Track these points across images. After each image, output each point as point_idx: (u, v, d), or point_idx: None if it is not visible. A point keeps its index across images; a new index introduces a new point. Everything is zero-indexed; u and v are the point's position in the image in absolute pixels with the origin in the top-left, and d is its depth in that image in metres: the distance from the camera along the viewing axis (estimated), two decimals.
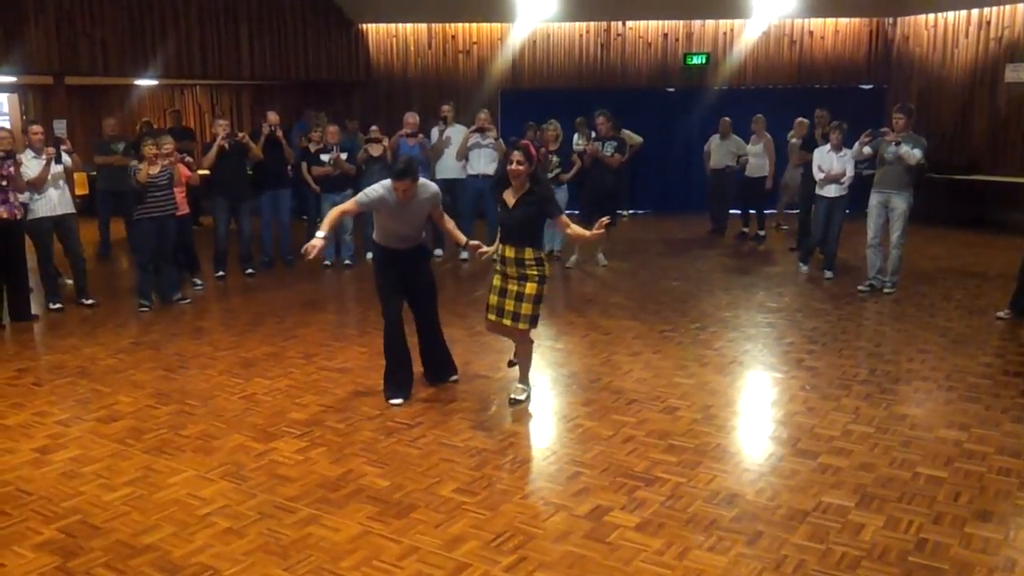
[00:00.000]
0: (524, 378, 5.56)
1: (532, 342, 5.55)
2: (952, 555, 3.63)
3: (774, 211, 12.48)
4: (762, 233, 11.87)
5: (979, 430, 5.01)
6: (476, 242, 5.47)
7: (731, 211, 12.38)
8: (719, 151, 12.18)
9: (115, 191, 10.38)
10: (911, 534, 3.80)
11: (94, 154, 10.78)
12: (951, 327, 7.31)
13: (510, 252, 5.21)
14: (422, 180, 5.41)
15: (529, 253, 5.20)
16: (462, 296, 8.57)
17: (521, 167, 5.10)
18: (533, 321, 5.29)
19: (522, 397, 5.51)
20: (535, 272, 5.21)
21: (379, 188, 5.31)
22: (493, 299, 5.33)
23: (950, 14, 13.41)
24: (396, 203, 5.29)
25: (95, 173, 11.66)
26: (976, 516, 3.97)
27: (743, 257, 10.92)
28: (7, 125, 14.96)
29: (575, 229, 5.35)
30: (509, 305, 5.26)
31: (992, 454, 4.67)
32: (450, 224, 5.68)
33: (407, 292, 5.63)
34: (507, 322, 5.29)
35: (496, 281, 5.33)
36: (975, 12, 13.06)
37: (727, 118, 12.14)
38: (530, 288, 5.21)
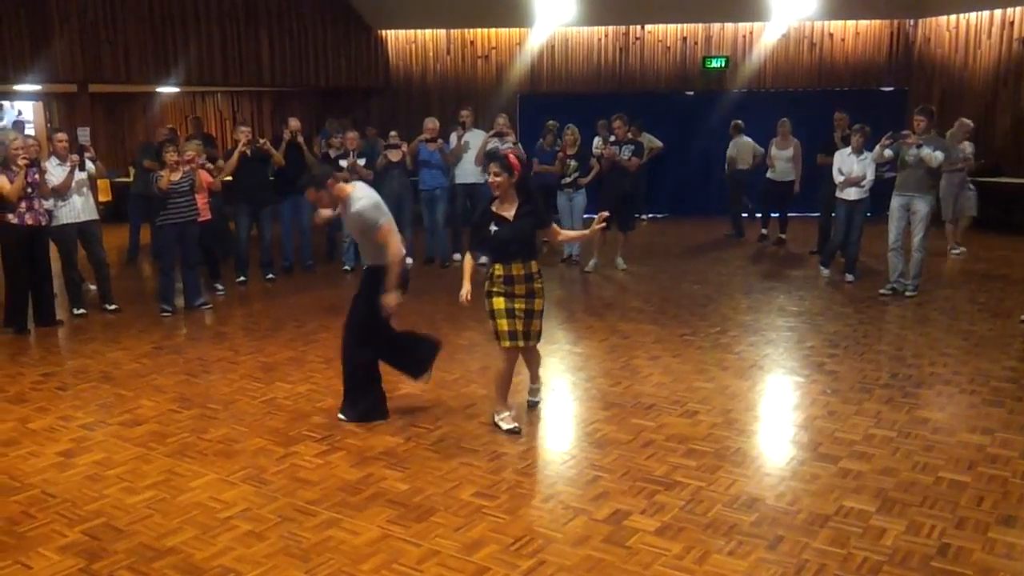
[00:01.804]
0: (535, 378, 5.54)
1: None
2: (975, 560, 3.60)
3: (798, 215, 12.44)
4: (783, 236, 11.80)
5: (1002, 434, 4.96)
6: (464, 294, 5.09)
7: (743, 214, 12.36)
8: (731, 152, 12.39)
9: (148, 195, 10.52)
10: (933, 539, 3.77)
11: (142, 158, 10.86)
12: (974, 330, 7.24)
13: (519, 269, 4.97)
14: (357, 194, 5.12)
15: (535, 265, 5.07)
16: (476, 302, 8.56)
17: (498, 178, 4.96)
18: (539, 337, 5.24)
19: (538, 398, 5.52)
20: (540, 285, 5.09)
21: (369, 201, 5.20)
22: (507, 324, 5.00)
23: (972, 15, 13.30)
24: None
25: (130, 179, 11.79)
26: (999, 521, 3.93)
27: (763, 261, 10.87)
28: (32, 133, 15.18)
29: (566, 234, 5.34)
30: (522, 325, 5.06)
31: (1016, 458, 4.62)
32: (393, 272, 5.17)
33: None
34: (531, 342, 5.18)
35: (501, 304, 5.01)
36: (998, 13, 12.95)
37: (735, 121, 12.22)
38: (539, 304, 5.09)
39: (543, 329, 5.27)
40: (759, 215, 12.40)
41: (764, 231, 12.00)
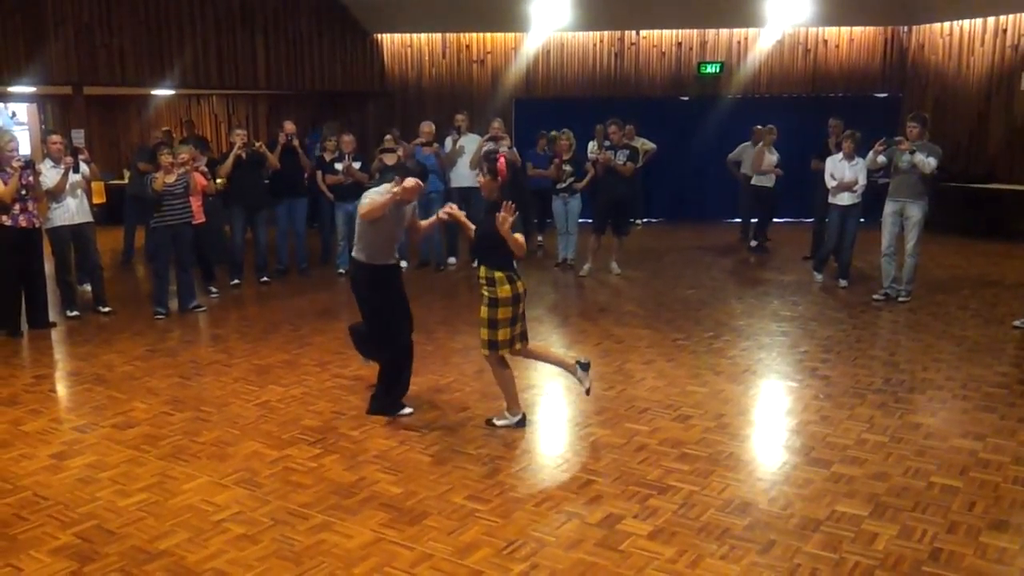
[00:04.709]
0: (507, 405, 5.27)
1: (506, 368, 5.19)
2: (967, 565, 3.61)
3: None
4: (755, 243, 11.82)
5: (994, 439, 4.98)
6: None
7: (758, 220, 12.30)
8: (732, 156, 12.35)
9: (143, 198, 10.53)
10: (925, 544, 3.78)
11: (137, 160, 10.83)
12: (967, 336, 7.27)
13: (479, 272, 5.06)
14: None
15: (482, 271, 4.99)
16: (476, 304, 8.56)
17: (482, 179, 4.98)
18: (489, 346, 5.04)
19: (497, 423, 5.25)
20: (484, 293, 5.00)
21: (379, 195, 5.11)
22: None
23: (966, 22, 13.35)
24: (395, 206, 5.11)
25: (125, 181, 11.75)
26: (991, 526, 3.94)
27: (757, 266, 10.90)
28: (27, 135, 15.16)
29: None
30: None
31: (1008, 463, 4.64)
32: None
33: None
34: (481, 350, 5.15)
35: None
36: (991, 20, 13.00)
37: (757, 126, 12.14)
38: (481, 311, 5.04)
39: (496, 345, 5.08)
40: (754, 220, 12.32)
41: (754, 242, 11.95)
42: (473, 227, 5.29)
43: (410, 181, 4.96)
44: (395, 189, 5.01)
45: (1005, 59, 12.86)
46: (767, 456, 4.92)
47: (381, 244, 5.24)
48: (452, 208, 5.26)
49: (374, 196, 5.11)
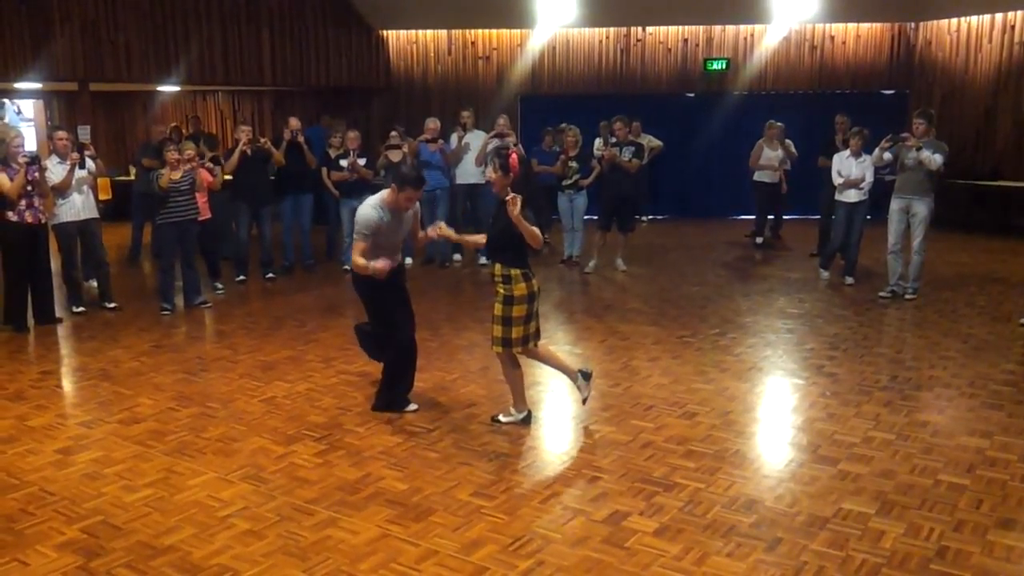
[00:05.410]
0: (514, 402, 5.27)
1: (517, 366, 5.19)
2: (974, 563, 3.60)
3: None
4: (760, 240, 11.83)
5: (1002, 437, 4.96)
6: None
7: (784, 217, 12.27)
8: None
9: (150, 194, 10.55)
10: (932, 541, 3.77)
11: (140, 157, 10.84)
12: (973, 334, 7.24)
13: (493, 270, 5.03)
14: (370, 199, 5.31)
15: (497, 269, 4.97)
16: (480, 300, 8.58)
17: (493, 176, 4.93)
18: (503, 343, 5.01)
19: (502, 419, 5.26)
20: (500, 290, 4.97)
21: (371, 212, 5.09)
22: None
23: (973, 19, 13.30)
24: (392, 216, 5.13)
25: (131, 177, 11.76)
26: (998, 524, 3.93)
27: (763, 263, 10.88)
28: (33, 131, 15.19)
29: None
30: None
31: (1015, 461, 4.62)
32: None
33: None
34: (492, 347, 5.12)
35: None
36: (999, 16, 12.95)
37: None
38: (495, 308, 5.00)
39: (510, 342, 5.06)
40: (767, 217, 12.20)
41: (759, 238, 11.93)
42: (470, 240, 5.45)
43: (382, 266, 5.00)
44: (369, 270, 5.02)
45: (1013, 56, 12.81)
46: (773, 453, 4.91)
47: (381, 252, 5.18)
48: (441, 227, 5.27)
49: (368, 215, 5.08)
